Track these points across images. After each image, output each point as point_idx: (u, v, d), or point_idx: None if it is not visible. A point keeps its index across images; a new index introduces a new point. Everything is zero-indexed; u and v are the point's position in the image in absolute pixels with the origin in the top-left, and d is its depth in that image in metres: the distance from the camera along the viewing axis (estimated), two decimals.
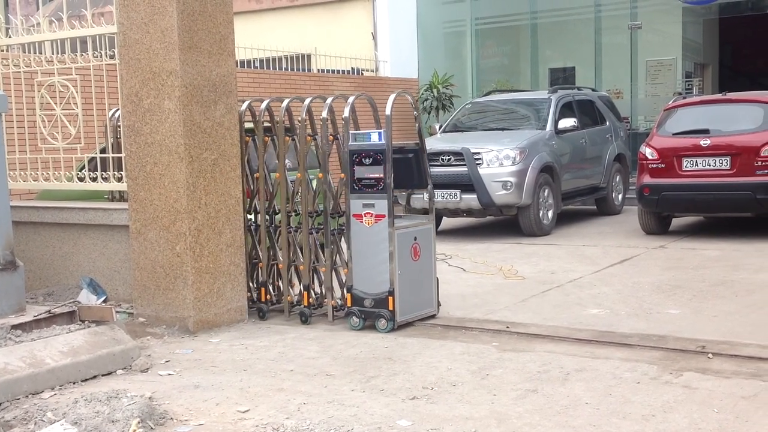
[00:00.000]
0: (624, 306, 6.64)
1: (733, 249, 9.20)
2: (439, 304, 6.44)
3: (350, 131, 6.19)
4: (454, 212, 11.07)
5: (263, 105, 6.77)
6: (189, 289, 6.13)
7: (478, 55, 19.29)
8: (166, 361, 5.44)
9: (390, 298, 5.98)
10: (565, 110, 12.08)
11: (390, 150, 5.99)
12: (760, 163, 9.54)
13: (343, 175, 6.29)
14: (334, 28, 18.63)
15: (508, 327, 6.05)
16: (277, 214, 6.73)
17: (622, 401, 4.38)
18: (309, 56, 17.35)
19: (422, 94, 17.10)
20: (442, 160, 10.67)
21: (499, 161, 10.65)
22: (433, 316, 6.34)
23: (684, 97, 11.94)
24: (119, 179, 6.77)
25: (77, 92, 6.97)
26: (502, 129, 11.87)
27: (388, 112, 6.09)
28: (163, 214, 6.20)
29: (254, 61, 15.70)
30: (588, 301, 6.86)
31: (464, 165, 10.61)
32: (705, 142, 9.85)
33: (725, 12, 18.74)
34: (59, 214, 7.09)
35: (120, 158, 6.74)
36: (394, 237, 5.99)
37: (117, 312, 6.18)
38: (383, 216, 6.00)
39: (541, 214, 10.91)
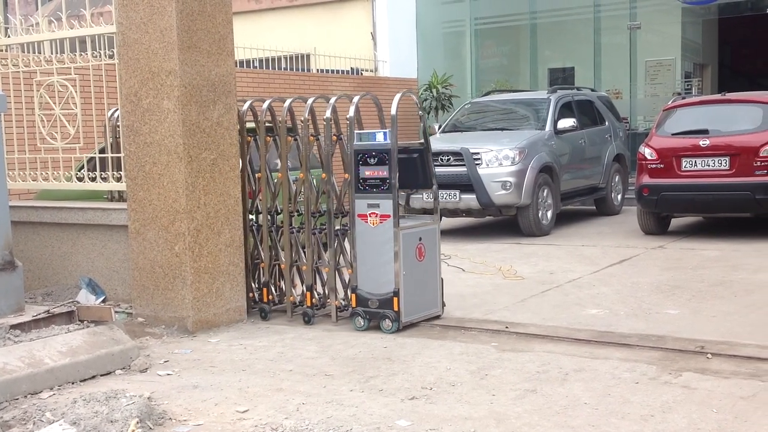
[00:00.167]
0: (623, 306, 6.64)
1: (732, 249, 9.20)
2: (443, 305, 6.42)
3: (355, 131, 6.16)
4: (454, 212, 11.07)
5: (265, 105, 6.75)
6: (188, 289, 6.13)
7: (477, 55, 19.30)
8: (165, 361, 5.44)
9: (395, 299, 5.96)
10: (565, 110, 12.09)
11: (395, 150, 5.96)
12: (759, 163, 9.55)
13: (347, 175, 6.28)
14: (334, 28, 18.64)
15: (507, 327, 6.05)
16: (280, 214, 6.72)
17: (621, 401, 4.38)
18: (308, 56, 17.36)
19: (421, 94, 17.11)
20: (442, 160, 10.66)
21: (499, 161, 10.65)
22: (437, 317, 6.32)
23: (683, 98, 11.94)
24: (118, 179, 6.76)
25: (76, 92, 6.97)
26: (502, 129, 11.88)
27: (393, 111, 6.08)
28: (162, 214, 6.20)
29: (253, 61, 15.70)
30: (587, 302, 6.86)
31: (463, 165, 10.61)
32: (704, 142, 9.85)
33: (724, 12, 18.75)
34: (58, 214, 7.08)
35: (119, 158, 6.73)
36: (399, 237, 5.97)
37: (116, 312, 6.17)
38: (388, 216, 5.97)
39: (540, 215, 10.91)
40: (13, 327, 5.42)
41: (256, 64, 15.79)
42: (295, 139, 6.66)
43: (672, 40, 18.63)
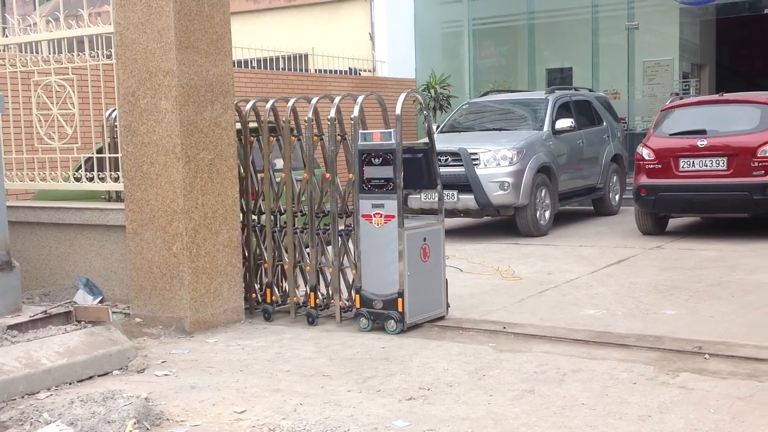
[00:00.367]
0: (621, 306, 6.64)
1: (730, 249, 9.21)
2: (448, 306, 6.40)
3: (359, 131, 6.13)
4: (451, 213, 11.07)
5: (268, 105, 6.73)
6: (185, 290, 6.13)
7: (475, 55, 19.29)
8: (163, 362, 5.43)
9: (399, 300, 5.93)
10: (563, 111, 12.09)
11: (400, 150, 5.94)
12: (756, 163, 9.56)
13: (351, 175, 6.26)
14: (332, 28, 18.62)
15: (505, 327, 6.05)
16: (283, 214, 6.70)
17: (618, 402, 4.38)
18: (306, 56, 17.34)
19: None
20: (440, 160, 10.65)
21: (497, 161, 10.66)
22: (442, 318, 6.30)
23: (681, 98, 11.95)
24: (116, 179, 6.76)
25: (74, 92, 6.96)
26: (500, 129, 11.88)
27: (398, 111, 6.06)
28: (159, 214, 6.20)
29: (251, 61, 15.69)
30: (585, 302, 6.86)
31: (461, 165, 10.61)
32: (702, 142, 9.86)
33: (722, 13, 18.76)
34: (56, 214, 7.08)
35: (117, 158, 6.73)
36: (404, 237, 5.95)
37: (113, 312, 6.17)
38: (393, 216, 5.95)
39: (538, 215, 10.91)
40: (11, 327, 5.41)
41: (254, 64, 15.78)
42: (299, 139, 6.64)
43: (670, 40, 18.64)
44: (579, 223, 12.20)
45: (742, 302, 6.71)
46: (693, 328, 5.92)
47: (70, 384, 4.94)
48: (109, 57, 6.84)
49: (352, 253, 6.35)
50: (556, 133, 11.67)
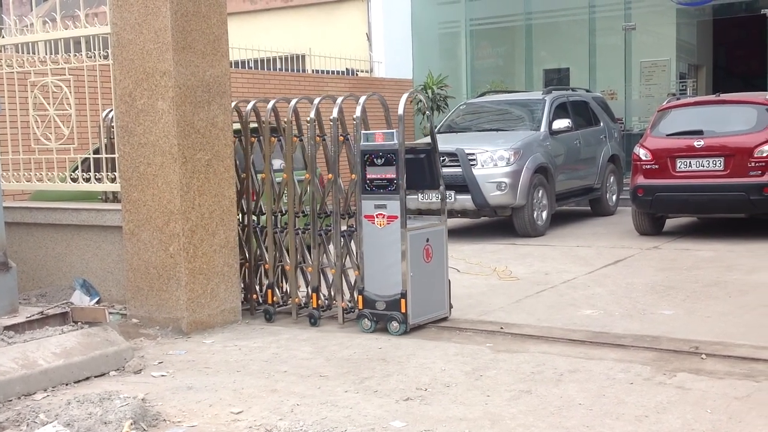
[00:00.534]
0: (618, 307, 6.65)
1: (727, 250, 9.22)
2: (451, 306, 6.38)
3: (362, 131, 6.11)
4: (449, 213, 11.02)
5: (269, 105, 6.72)
6: (182, 290, 6.12)
7: (472, 55, 19.30)
8: (160, 363, 5.43)
9: (402, 301, 5.91)
10: (560, 111, 12.10)
11: (403, 150, 5.91)
12: (753, 164, 9.57)
13: (353, 175, 6.25)
14: (329, 29, 18.62)
15: (502, 328, 6.05)
16: (284, 215, 6.69)
17: (615, 402, 4.38)
18: (303, 57, 17.34)
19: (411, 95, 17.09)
20: None
21: (494, 162, 10.66)
22: (444, 319, 6.29)
23: (678, 98, 11.95)
24: (112, 180, 6.76)
25: (71, 93, 6.95)
26: (497, 130, 11.89)
27: (400, 111, 6.05)
28: (156, 215, 6.19)
29: (248, 62, 15.69)
30: (582, 302, 6.86)
31: (458, 166, 10.61)
32: (699, 143, 9.87)
33: (719, 13, 18.78)
34: (52, 214, 7.07)
35: (113, 159, 6.72)
36: (407, 238, 5.92)
37: (110, 313, 6.17)
38: (396, 217, 5.92)
39: (535, 215, 10.92)
40: (7, 328, 5.41)
41: (251, 64, 15.77)
42: (300, 140, 6.62)
43: (667, 41, 18.66)
44: (576, 223, 12.21)
45: (739, 302, 6.71)
46: (690, 328, 5.93)
47: (66, 385, 4.93)
48: (105, 57, 6.84)
49: (354, 253, 6.33)
50: (553, 133, 11.68)
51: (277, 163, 7.01)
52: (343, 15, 18.81)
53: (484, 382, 4.78)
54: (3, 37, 7.45)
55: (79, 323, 5.68)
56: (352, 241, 6.35)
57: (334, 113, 6.28)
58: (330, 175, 6.37)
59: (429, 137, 6.40)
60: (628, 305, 6.69)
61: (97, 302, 6.53)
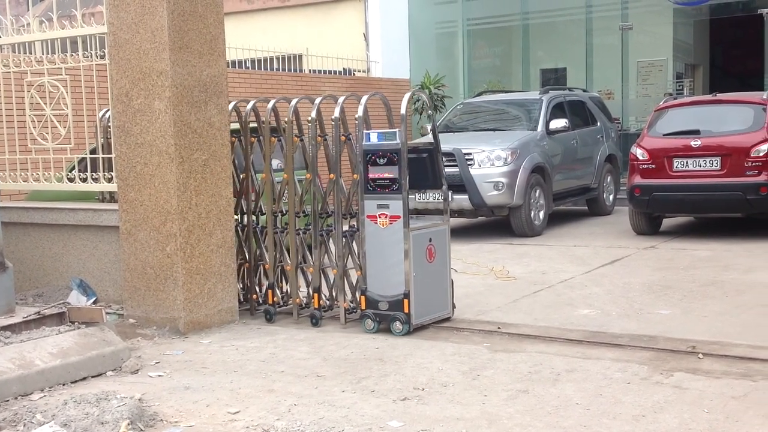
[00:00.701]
0: (615, 306, 6.65)
1: (724, 249, 9.23)
2: (453, 307, 6.36)
3: (364, 131, 6.08)
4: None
5: (270, 105, 6.68)
6: (179, 290, 6.12)
7: (469, 55, 19.31)
8: (157, 363, 5.42)
9: (405, 301, 5.89)
10: (557, 111, 12.11)
11: (405, 150, 5.89)
12: (750, 163, 9.58)
13: (355, 175, 6.22)
14: (326, 29, 18.61)
15: (499, 327, 6.05)
16: (284, 215, 6.68)
17: (612, 402, 4.38)
18: (300, 57, 17.33)
19: (413, 95, 17.11)
20: None
21: (491, 162, 10.66)
22: (447, 319, 6.27)
23: (675, 98, 11.97)
24: (109, 180, 6.75)
25: (67, 92, 6.95)
26: (494, 130, 11.89)
27: (403, 111, 6.04)
28: (153, 214, 6.18)
29: (245, 62, 15.68)
30: (579, 302, 6.87)
31: (455, 165, 10.61)
32: (695, 142, 9.88)
33: (716, 13, 18.80)
34: (49, 215, 7.06)
35: (110, 159, 6.71)
36: (410, 238, 5.91)
37: (107, 313, 6.15)
38: (398, 217, 5.90)
39: (532, 215, 10.92)
40: (4, 328, 5.40)
41: (248, 64, 15.76)
42: (301, 140, 6.59)
43: (663, 40, 18.67)
44: (573, 223, 12.22)
45: (736, 302, 6.72)
46: (687, 327, 5.93)
47: (63, 385, 4.92)
48: (102, 57, 6.83)
49: (356, 254, 6.31)
50: (550, 133, 11.68)
51: (275, 163, 7.00)
52: (340, 15, 18.81)
53: (481, 382, 4.78)
54: (0, 36, 7.44)
55: (76, 323, 5.66)
56: (354, 242, 6.33)
57: (336, 113, 6.26)
58: (332, 175, 6.34)
59: (425, 137, 6.39)
60: (625, 305, 6.70)
61: (94, 302, 6.52)
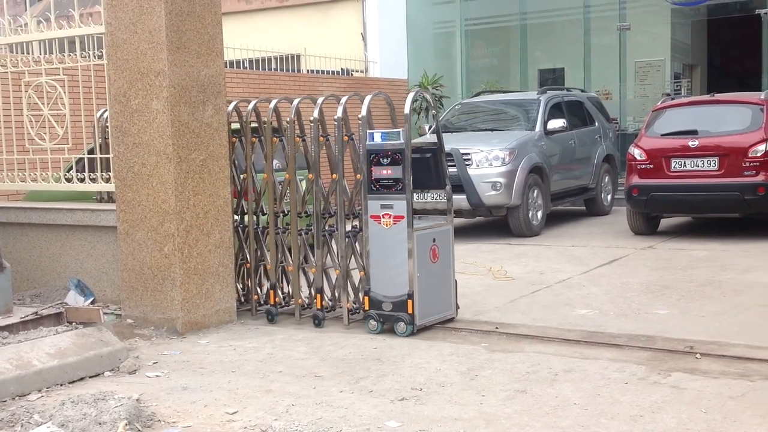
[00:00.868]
0: (612, 306, 6.65)
1: (722, 249, 9.23)
2: (457, 307, 6.35)
3: (367, 131, 6.05)
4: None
5: (271, 105, 6.66)
6: (177, 291, 6.11)
7: (467, 55, 19.31)
8: (154, 363, 5.42)
9: (409, 301, 5.86)
10: (555, 111, 12.11)
11: (409, 149, 5.87)
12: (747, 163, 9.58)
13: (358, 175, 6.21)
14: (324, 29, 18.61)
15: (497, 327, 6.05)
16: (286, 215, 6.65)
17: (610, 402, 4.38)
18: (298, 57, 17.32)
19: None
20: None
21: (489, 162, 10.66)
22: (451, 320, 6.26)
23: (672, 98, 11.97)
24: (107, 180, 6.74)
25: (65, 92, 6.94)
26: (492, 130, 11.89)
27: (407, 110, 6.03)
28: (151, 215, 6.18)
29: (243, 62, 15.67)
30: (577, 302, 6.87)
31: (453, 165, 10.60)
32: (693, 142, 9.89)
33: (714, 13, 18.81)
34: (47, 215, 7.05)
35: (108, 159, 6.71)
36: (414, 238, 5.89)
37: (104, 313, 6.14)
38: (402, 217, 5.88)
39: (530, 215, 10.92)
40: (1, 329, 5.39)
41: (246, 64, 15.76)
42: (303, 140, 6.57)
43: (661, 41, 18.68)
44: (571, 223, 12.22)
45: (734, 302, 6.72)
46: (684, 327, 5.93)
47: (61, 385, 4.92)
48: (100, 57, 6.82)
49: (358, 254, 6.29)
50: (548, 133, 11.69)
51: (274, 163, 6.99)
52: (338, 15, 18.80)
53: (479, 382, 4.78)
54: None
55: (73, 324, 5.66)
56: (357, 242, 6.31)
57: (339, 113, 6.24)
58: (334, 175, 6.32)
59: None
60: (623, 305, 6.70)
61: (92, 302, 6.50)
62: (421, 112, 17.02)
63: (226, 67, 6.70)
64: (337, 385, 4.83)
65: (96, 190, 7.01)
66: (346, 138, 6.30)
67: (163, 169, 6.09)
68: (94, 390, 4.69)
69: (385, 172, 5.93)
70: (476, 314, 6.53)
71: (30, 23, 7.16)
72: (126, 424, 4.11)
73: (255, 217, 6.81)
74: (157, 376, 5.13)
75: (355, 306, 6.33)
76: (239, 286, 6.90)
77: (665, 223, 11.09)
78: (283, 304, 6.69)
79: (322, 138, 6.41)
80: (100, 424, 4.10)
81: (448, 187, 6.36)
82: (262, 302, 6.76)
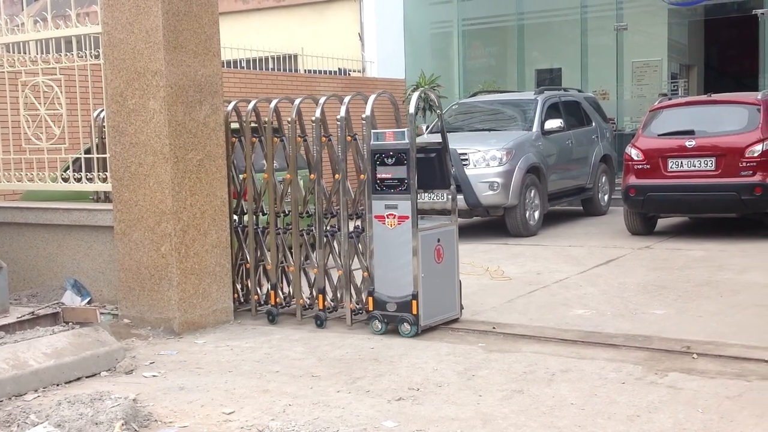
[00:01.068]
0: (609, 306, 6.66)
1: (718, 249, 9.24)
2: (462, 308, 6.33)
3: (372, 131, 6.03)
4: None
5: (272, 105, 6.64)
6: (174, 290, 6.11)
7: (464, 55, 19.31)
8: (151, 363, 5.41)
9: (414, 302, 5.84)
10: (552, 111, 12.11)
11: (414, 149, 5.85)
12: (744, 164, 9.59)
13: (362, 176, 6.19)
14: (321, 29, 18.61)
15: (494, 328, 6.05)
16: (287, 215, 6.64)
17: (607, 402, 4.38)
18: (296, 57, 17.33)
19: (408, 95, 17.11)
20: None
21: (486, 162, 10.67)
22: (456, 320, 6.25)
23: (669, 98, 11.98)
24: (104, 180, 6.73)
25: (62, 92, 6.93)
26: (489, 130, 11.89)
27: (411, 110, 6.02)
28: (148, 214, 6.17)
29: (240, 62, 15.67)
30: (574, 302, 6.87)
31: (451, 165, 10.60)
32: (690, 143, 9.89)
33: (711, 13, 18.83)
34: (43, 214, 7.05)
35: (105, 159, 6.70)
36: (418, 239, 5.87)
37: (101, 313, 6.13)
38: (407, 217, 5.85)
39: (527, 215, 10.93)
40: None
41: (243, 64, 15.75)
42: (305, 140, 6.56)
43: (658, 41, 18.70)
44: (568, 223, 12.22)
45: (731, 302, 6.73)
46: (681, 327, 5.94)
47: (57, 385, 4.91)
48: (97, 57, 6.81)
49: (361, 255, 6.26)
50: (545, 133, 11.69)
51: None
52: (335, 15, 18.81)
53: (476, 382, 4.78)
54: None
55: (70, 324, 5.65)
56: (359, 243, 6.28)
57: (342, 112, 6.21)
58: (337, 175, 6.28)
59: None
60: (619, 305, 6.70)
61: (89, 302, 6.49)
62: (418, 112, 17.02)
63: (223, 66, 6.69)
64: (334, 385, 4.82)
65: (93, 189, 7.01)
66: (349, 138, 6.28)
67: (160, 168, 6.08)
68: (91, 390, 4.69)
69: (390, 172, 5.90)
70: (473, 314, 6.52)
71: (27, 23, 7.15)
72: (123, 424, 4.10)
73: (254, 217, 6.79)
74: (154, 376, 5.12)
75: (358, 306, 6.32)
76: (239, 287, 6.88)
77: (662, 223, 11.09)
78: (284, 304, 6.68)
79: (324, 138, 6.39)
80: (96, 424, 4.10)
81: (452, 187, 6.34)
82: (262, 302, 6.74)
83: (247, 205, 6.78)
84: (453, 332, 5.99)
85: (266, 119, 6.63)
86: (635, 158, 10.21)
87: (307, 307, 6.54)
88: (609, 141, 13.61)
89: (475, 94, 14.04)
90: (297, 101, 6.52)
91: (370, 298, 6.05)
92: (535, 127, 11.63)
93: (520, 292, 7.32)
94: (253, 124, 6.82)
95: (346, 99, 6.30)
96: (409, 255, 5.87)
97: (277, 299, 6.62)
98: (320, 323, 6.27)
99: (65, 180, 7.08)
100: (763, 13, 16.29)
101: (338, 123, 6.21)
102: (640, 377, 4.78)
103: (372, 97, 6.20)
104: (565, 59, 18.95)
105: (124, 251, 6.32)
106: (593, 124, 13.18)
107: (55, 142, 7.05)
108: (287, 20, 19.15)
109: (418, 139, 6.08)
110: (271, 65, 16.70)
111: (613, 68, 17.68)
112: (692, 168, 9.84)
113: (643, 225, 10.56)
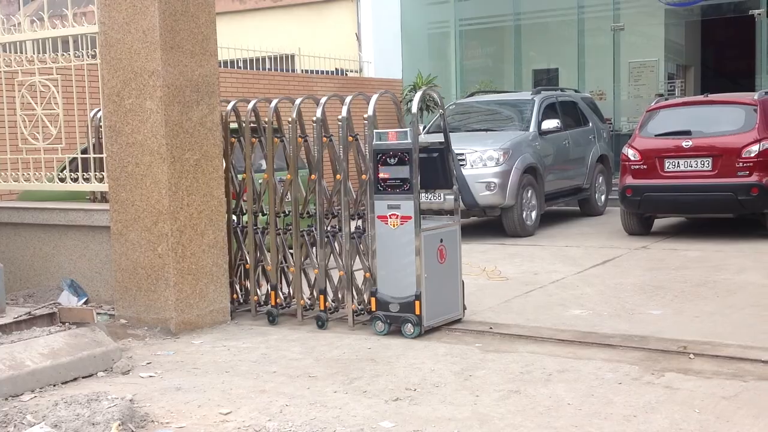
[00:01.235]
0: (606, 307, 6.66)
1: (715, 250, 9.25)
2: (464, 308, 6.32)
3: (374, 130, 6.01)
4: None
5: (272, 104, 6.62)
6: (171, 291, 6.10)
7: (461, 56, 19.32)
8: (148, 363, 5.41)
9: (417, 302, 5.82)
10: (549, 111, 12.12)
11: (416, 149, 5.84)
12: (741, 164, 9.60)
13: (364, 176, 6.17)
14: (318, 29, 18.61)
15: (491, 328, 6.05)
16: (287, 215, 6.63)
17: (604, 402, 4.39)
18: (293, 57, 17.32)
19: (406, 95, 17.12)
20: None
21: (483, 162, 10.67)
22: (458, 321, 6.24)
23: (666, 99, 11.99)
24: (100, 180, 6.73)
25: (58, 92, 6.92)
26: (486, 130, 11.90)
27: (414, 110, 6.02)
28: (144, 214, 6.17)
29: (237, 62, 15.66)
30: (570, 302, 6.88)
31: None
32: (687, 143, 9.91)
33: (707, 14, 18.85)
34: (40, 214, 7.04)
35: (101, 158, 6.70)
36: (421, 239, 5.86)
37: (98, 314, 6.14)
38: (409, 217, 5.84)
39: (524, 215, 10.93)
40: None
41: (240, 64, 15.75)
42: (305, 140, 6.55)
43: (655, 41, 18.72)
44: (565, 223, 12.23)
45: (727, 302, 6.74)
46: (678, 328, 5.94)
47: (54, 386, 4.91)
48: (93, 57, 6.81)
49: (363, 255, 6.25)
50: (542, 133, 11.70)
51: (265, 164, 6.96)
52: (333, 15, 18.81)
53: (473, 382, 4.79)
54: None
55: (66, 324, 5.66)
56: (360, 243, 6.27)
57: (344, 112, 6.19)
58: (338, 176, 6.27)
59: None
60: (616, 305, 6.71)
61: (85, 303, 6.50)
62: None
63: (220, 66, 6.69)
64: (331, 385, 4.82)
65: (89, 189, 7.00)
66: (350, 138, 6.26)
67: (157, 168, 6.08)
68: (88, 390, 4.68)
69: (393, 172, 5.89)
70: (470, 314, 6.52)
71: (23, 23, 7.14)
72: (119, 425, 4.10)
73: (254, 218, 6.78)
74: (151, 376, 5.12)
75: (359, 307, 6.31)
76: (238, 288, 6.87)
77: (659, 223, 11.11)
78: (284, 305, 6.67)
79: (325, 138, 6.37)
80: (93, 424, 4.09)
81: (455, 187, 6.33)
82: (261, 303, 6.73)
83: (247, 205, 6.78)
84: (450, 332, 5.99)
85: (266, 119, 6.62)
86: (632, 158, 10.22)
87: (307, 308, 6.53)
88: (606, 141, 13.62)
89: (472, 95, 14.05)
90: (297, 101, 6.50)
91: (373, 299, 6.04)
92: (532, 128, 11.64)
93: (517, 293, 7.32)
94: (252, 125, 6.81)
95: (348, 99, 6.29)
96: (412, 255, 5.86)
97: (277, 300, 6.61)
98: (321, 324, 6.25)
99: (62, 180, 7.07)
100: (759, 14, 16.31)
101: (339, 123, 6.20)
102: (637, 377, 4.79)
103: (374, 97, 6.19)
104: (562, 59, 18.97)
105: (120, 251, 6.31)
106: (590, 124, 13.20)
107: (51, 142, 7.04)
108: (284, 20, 19.14)
109: (421, 139, 6.07)
110: (268, 65, 16.70)
111: (610, 68, 17.70)
112: (689, 168, 9.85)
113: (640, 225, 10.57)
